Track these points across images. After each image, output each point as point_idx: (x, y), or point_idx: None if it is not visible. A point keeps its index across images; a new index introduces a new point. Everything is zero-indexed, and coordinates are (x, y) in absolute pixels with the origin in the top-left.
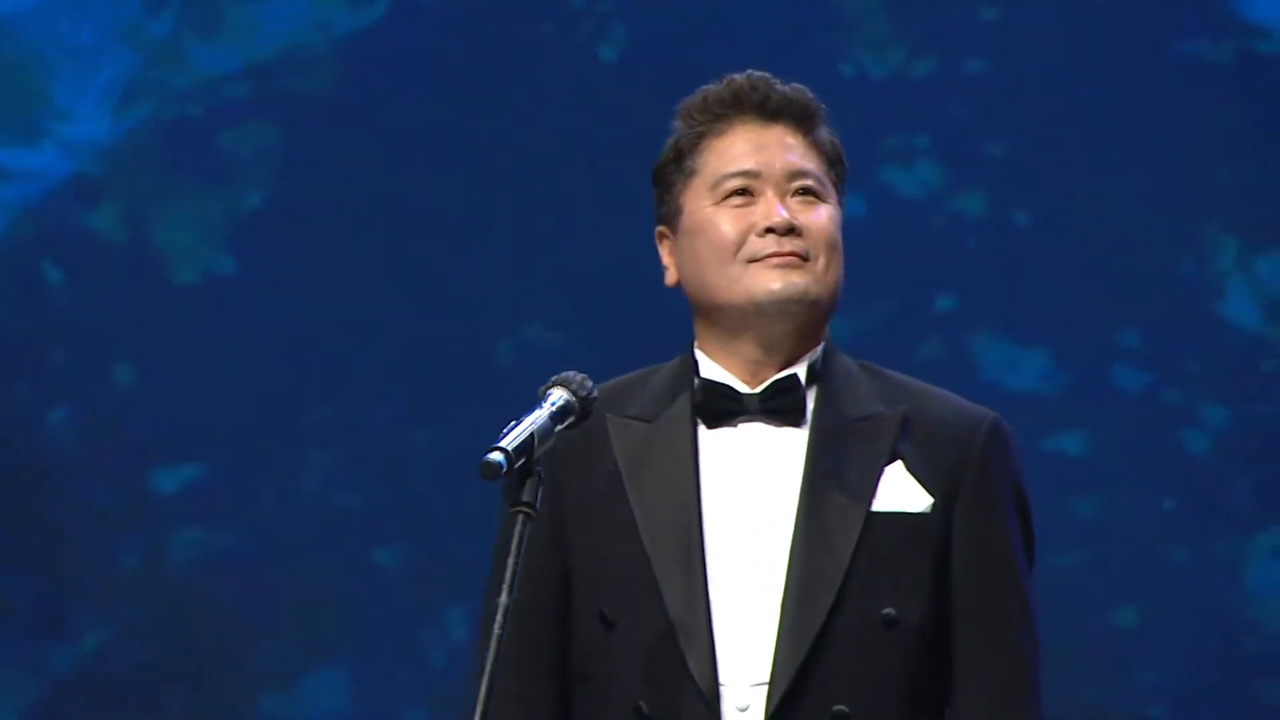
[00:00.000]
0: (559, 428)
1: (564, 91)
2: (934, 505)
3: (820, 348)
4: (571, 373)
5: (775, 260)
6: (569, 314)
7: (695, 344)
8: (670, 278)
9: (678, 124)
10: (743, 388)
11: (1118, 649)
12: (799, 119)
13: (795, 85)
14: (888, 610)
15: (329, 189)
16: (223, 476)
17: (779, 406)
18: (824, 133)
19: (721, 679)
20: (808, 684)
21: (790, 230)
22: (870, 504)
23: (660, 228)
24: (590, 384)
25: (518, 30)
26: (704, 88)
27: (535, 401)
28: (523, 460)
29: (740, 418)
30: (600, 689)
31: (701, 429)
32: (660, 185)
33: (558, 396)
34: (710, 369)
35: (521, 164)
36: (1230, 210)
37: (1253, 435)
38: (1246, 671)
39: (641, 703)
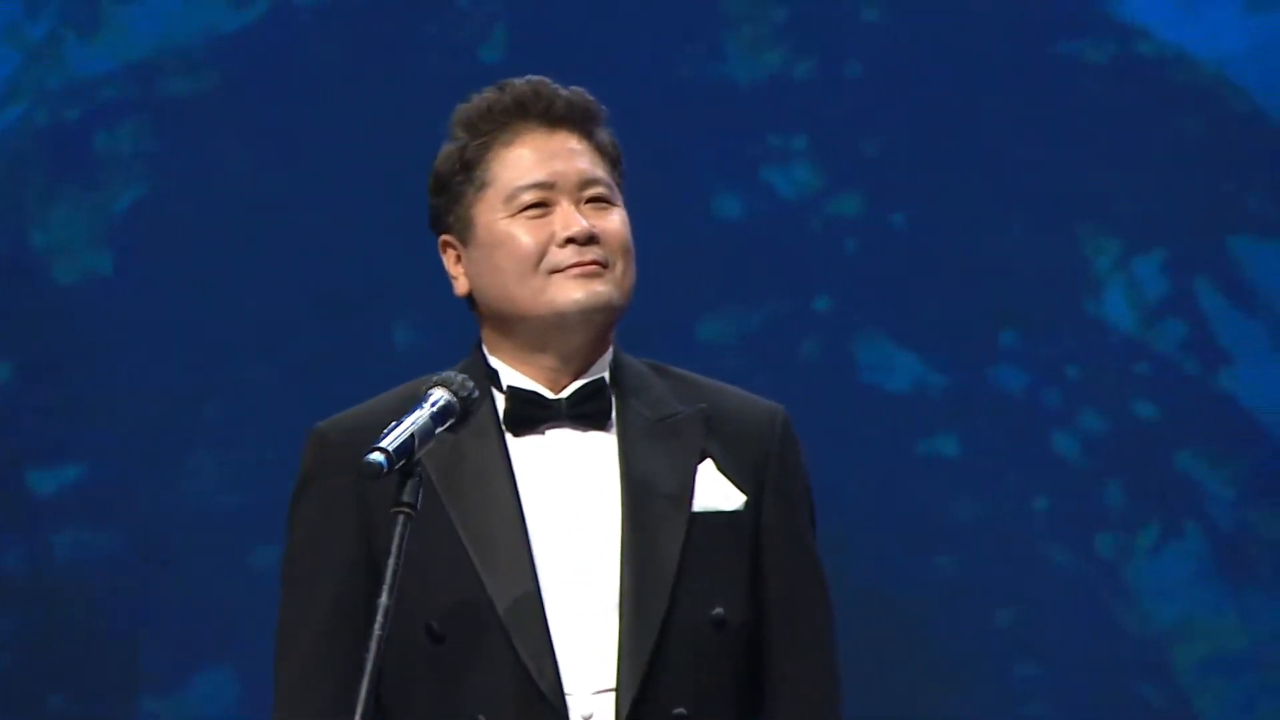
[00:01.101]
0: (440, 429)
1: (446, 93)
2: (746, 503)
3: (611, 350)
4: (452, 373)
5: (577, 270)
6: (451, 313)
7: (486, 352)
8: (461, 288)
9: (459, 134)
10: (548, 394)
11: (996, 648)
12: (582, 123)
13: (575, 89)
14: (717, 610)
15: (208, 189)
16: (103, 477)
17: (587, 411)
18: (605, 135)
19: (565, 688)
20: (650, 688)
21: (590, 239)
22: (691, 504)
23: (445, 237)
24: (471, 384)
25: (399, 31)
26: (483, 95)
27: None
28: (403, 461)
29: (547, 424)
30: (431, 703)
31: (508, 437)
32: (445, 196)
33: (439, 397)
34: (511, 376)
35: (404, 164)
36: (1109, 212)
37: (1129, 437)
38: (1124, 671)
39: (481, 716)
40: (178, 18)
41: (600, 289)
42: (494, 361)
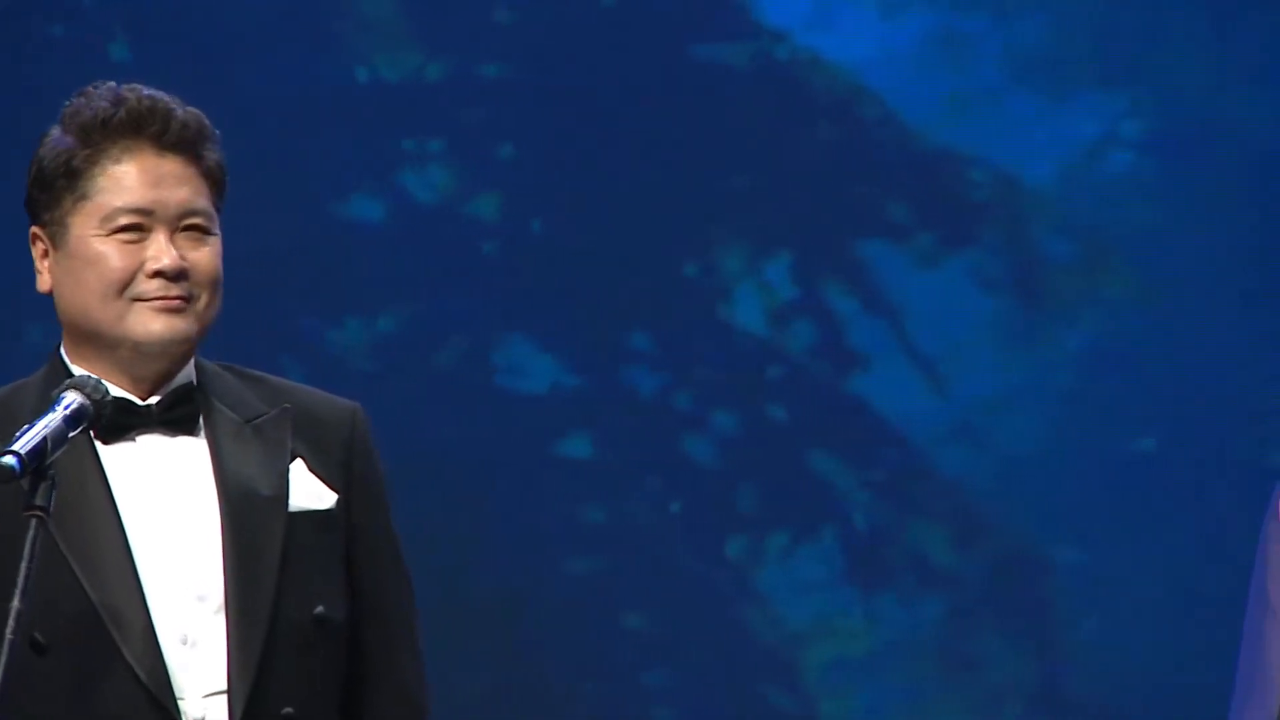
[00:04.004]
0: (73, 433)
1: (75, 91)
2: (338, 501)
3: (194, 356)
4: (84, 375)
5: (160, 304)
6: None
7: (67, 359)
8: (43, 285)
9: (68, 138)
10: (137, 400)
11: (625, 651)
12: (193, 147)
13: (190, 110)
14: (319, 609)
15: None
16: None
17: (176, 416)
18: (214, 158)
19: (176, 692)
20: (259, 689)
21: (179, 274)
22: (287, 504)
23: (37, 229)
24: (105, 388)
25: (26, 31)
26: (100, 96)
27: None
28: (36, 465)
29: (137, 430)
30: (42, 715)
31: (98, 444)
32: (46, 194)
33: (71, 400)
34: None
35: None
36: (740, 215)
37: (762, 440)
38: (752, 673)
39: None
40: None
41: (179, 325)
42: (76, 370)
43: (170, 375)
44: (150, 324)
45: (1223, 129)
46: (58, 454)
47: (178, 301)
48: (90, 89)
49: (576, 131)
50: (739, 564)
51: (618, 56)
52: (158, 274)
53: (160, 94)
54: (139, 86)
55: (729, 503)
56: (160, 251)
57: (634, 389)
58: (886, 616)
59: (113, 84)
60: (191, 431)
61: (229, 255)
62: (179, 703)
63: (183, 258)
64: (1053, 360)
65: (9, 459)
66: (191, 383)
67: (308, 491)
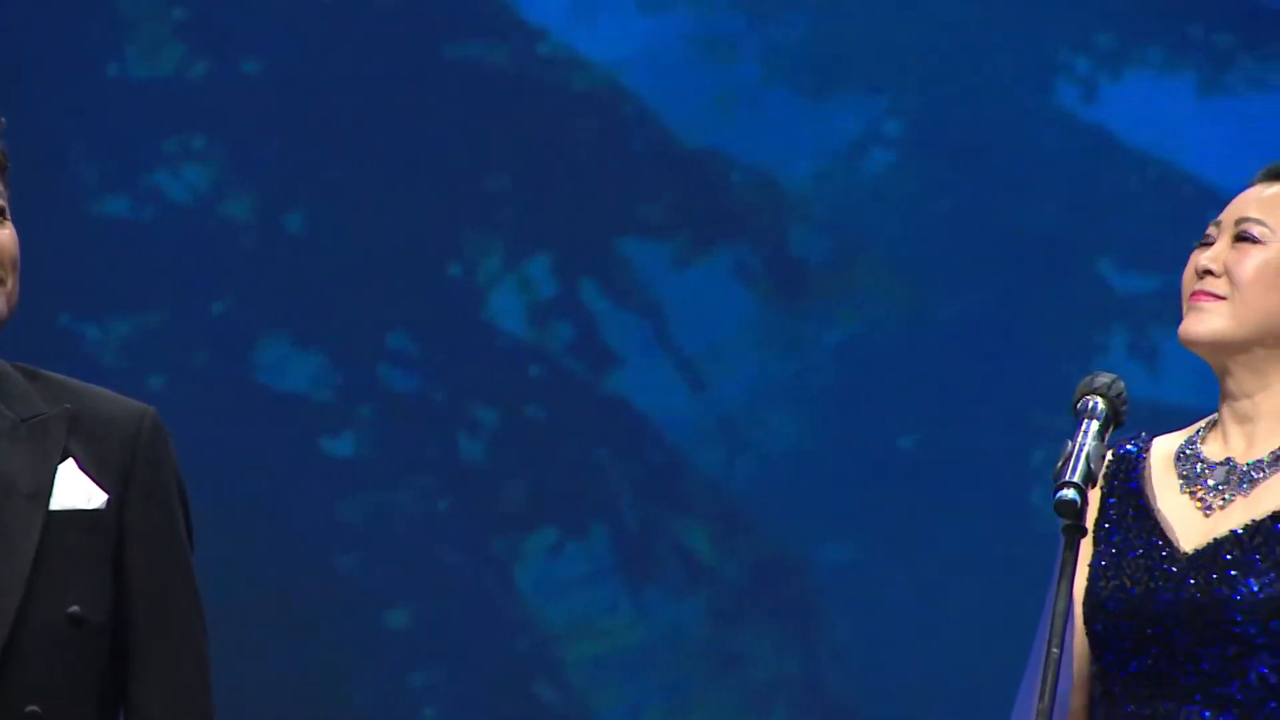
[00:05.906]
0: None
1: None
2: (108, 501)
3: None
4: None
5: None
6: None
7: None
8: None
9: None
10: None
11: (391, 650)
12: None
13: None
14: (74, 609)
15: None
16: None
17: None
18: None
19: None
20: (1, 686)
21: None
22: (48, 504)
23: None
24: None
25: None
26: None
27: None
28: None
29: None
30: None
31: None
32: None
33: None
34: None
35: None
36: (499, 214)
37: (523, 438)
38: (520, 670)
39: None
40: None
41: None
42: None
43: None
44: None
45: (983, 128)
46: None
47: None
48: None
49: (336, 129)
50: (504, 561)
51: (378, 53)
52: None
53: None
54: None
55: (494, 501)
56: None
57: (395, 388)
58: (652, 613)
59: None
60: None
61: None
62: None
63: None
64: (811, 359)
65: None
66: None
67: (75, 491)
